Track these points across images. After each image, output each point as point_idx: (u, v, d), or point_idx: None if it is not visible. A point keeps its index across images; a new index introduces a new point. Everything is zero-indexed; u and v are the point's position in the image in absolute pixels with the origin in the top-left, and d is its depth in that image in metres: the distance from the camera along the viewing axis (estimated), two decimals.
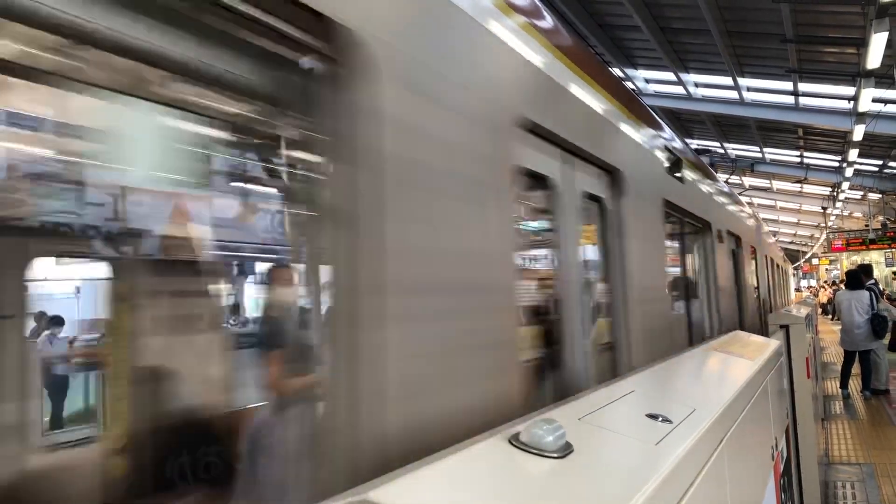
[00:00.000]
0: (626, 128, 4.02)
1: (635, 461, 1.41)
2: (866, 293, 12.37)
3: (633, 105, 4.38)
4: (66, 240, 3.52)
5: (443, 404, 1.76)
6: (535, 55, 2.70)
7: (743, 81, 18.70)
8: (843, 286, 14.76)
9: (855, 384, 12.80)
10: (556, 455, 1.25)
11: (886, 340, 12.69)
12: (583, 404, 1.74)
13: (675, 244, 6.13)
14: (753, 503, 2.31)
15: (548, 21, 3.00)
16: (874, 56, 12.05)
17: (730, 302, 7.32)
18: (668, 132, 5.48)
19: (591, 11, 15.98)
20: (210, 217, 3.97)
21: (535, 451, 1.26)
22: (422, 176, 1.80)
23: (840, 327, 13.11)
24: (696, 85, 20.13)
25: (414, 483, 1.05)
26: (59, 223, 3.32)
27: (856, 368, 12.64)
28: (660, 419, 1.67)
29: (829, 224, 37.25)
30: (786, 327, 5.98)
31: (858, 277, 12.95)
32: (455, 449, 1.27)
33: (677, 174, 5.28)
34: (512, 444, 1.29)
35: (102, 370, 3.59)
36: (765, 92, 19.41)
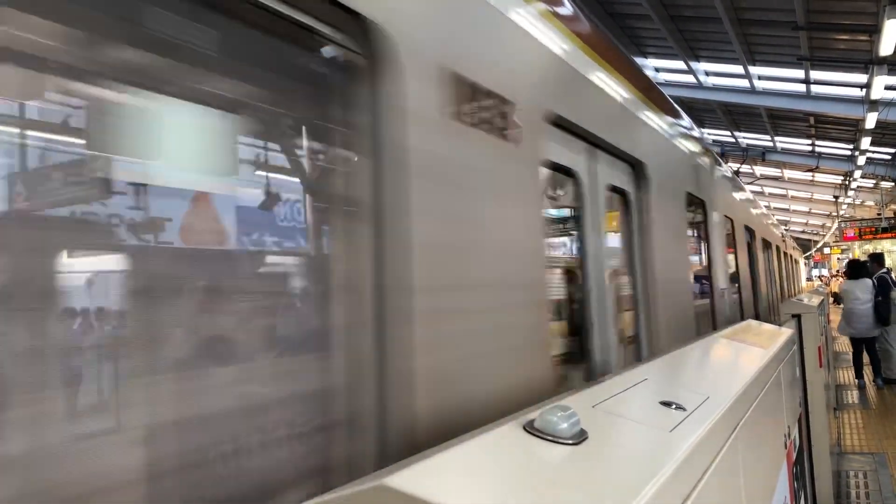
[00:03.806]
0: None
1: (650, 448, 1.41)
2: (868, 281, 12.35)
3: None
4: None
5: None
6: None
7: (754, 70, 18.56)
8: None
9: (868, 373, 12.75)
10: (570, 441, 1.25)
11: None
12: (596, 391, 1.74)
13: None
14: (767, 491, 2.31)
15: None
16: (887, 43, 11.93)
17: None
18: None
19: (600, 0, 15.90)
20: None
21: (549, 438, 1.26)
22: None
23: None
24: (707, 73, 20.00)
25: (429, 469, 1.06)
26: None
27: (866, 357, 12.61)
28: (673, 406, 1.67)
29: (841, 213, 36.99)
30: (798, 317, 5.96)
31: (860, 267, 12.93)
32: (470, 435, 1.28)
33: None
34: (526, 430, 1.30)
35: None
36: (776, 80, 19.26)
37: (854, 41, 15.25)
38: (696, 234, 6.39)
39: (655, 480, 1.13)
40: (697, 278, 6.27)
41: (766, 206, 13.43)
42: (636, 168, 3.98)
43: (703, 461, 1.46)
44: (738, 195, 8.82)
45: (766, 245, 11.57)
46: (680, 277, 4.69)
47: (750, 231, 9.27)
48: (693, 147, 5.70)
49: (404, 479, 0.96)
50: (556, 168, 3.04)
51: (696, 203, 5.74)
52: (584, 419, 1.33)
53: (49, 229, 1.31)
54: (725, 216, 7.07)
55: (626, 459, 1.33)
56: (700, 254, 6.42)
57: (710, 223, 6.18)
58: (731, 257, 7.73)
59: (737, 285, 7.78)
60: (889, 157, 24.93)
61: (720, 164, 7.60)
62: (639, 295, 3.95)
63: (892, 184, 28.56)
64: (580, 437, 1.28)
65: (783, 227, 20.32)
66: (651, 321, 3.94)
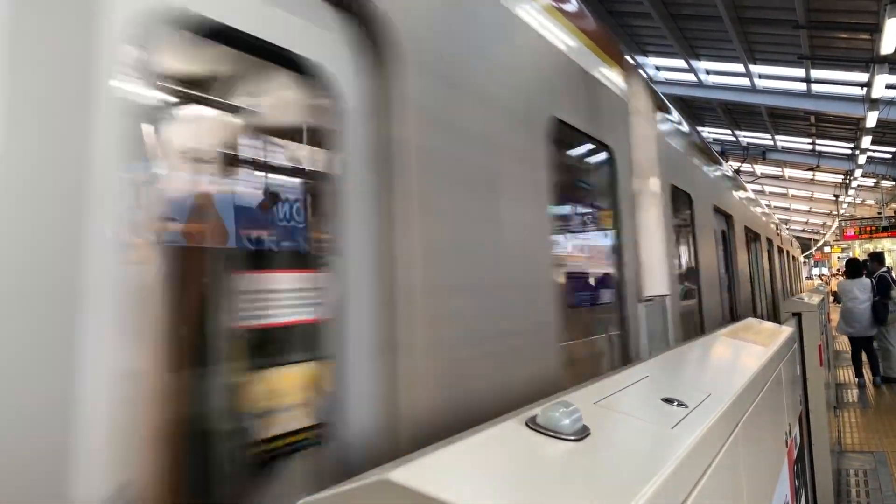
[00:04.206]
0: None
1: (652, 444, 1.40)
2: (867, 280, 12.39)
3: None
4: None
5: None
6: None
7: (755, 68, 18.56)
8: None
9: (868, 372, 12.77)
10: (572, 438, 1.25)
11: None
12: (598, 388, 1.74)
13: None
14: (768, 488, 2.31)
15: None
16: (888, 42, 11.94)
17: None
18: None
19: None
20: None
21: (551, 434, 1.26)
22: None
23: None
24: (708, 72, 20.00)
25: (432, 464, 1.06)
26: None
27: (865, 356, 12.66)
28: (675, 403, 1.67)
29: (842, 212, 37.00)
30: (798, 315, 5.96)
31: (858, 266, 12.97)
32: (472, 431, 1.28)
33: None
34: (529, 426, 1.29)
35: None
36: (777, 79, 19.26)
37: (855, 40, 15.25)
38: (584, 201, 3.88)
39: (658, 477, 1.13)
40: (579, 279, 3.85)
41: (753, 192, 11.66)
42: (362, 19, 1.70)
43: (706, 458, 1.46)
44: (702, 162, 6.13)
45: (752, 237, 9.24)
46: (505, 276, 2.17)
47: (725, 215, 6.93)
48: (569, 37, 2.94)
49: (407, 473, 0.96)
50: None
51: (582, 144, 3.22)
52: (586, 416, 1.33)
53: None
54: (673, 186, 4.53)
55: (628, 456, 1.33)
56: (592, 236, 3.84)
57: (624, 187, 3.43)
58: (682, 248, 5.29)
59: (695, 291, 5.25)
60: (889, 155, 24.93)
61: (663, 103, 4.91)
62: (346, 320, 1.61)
63: (893, 183, 28.56)
64: (582, 434, 1.28)
65: (776, 215, 17.67)
66: (395, 375, 1.63)
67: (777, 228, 13.81)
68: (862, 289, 12.29)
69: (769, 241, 11.13)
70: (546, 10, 2.69)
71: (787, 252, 15.61)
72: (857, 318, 12.23)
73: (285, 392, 2.52)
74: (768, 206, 22.29)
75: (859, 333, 12.34)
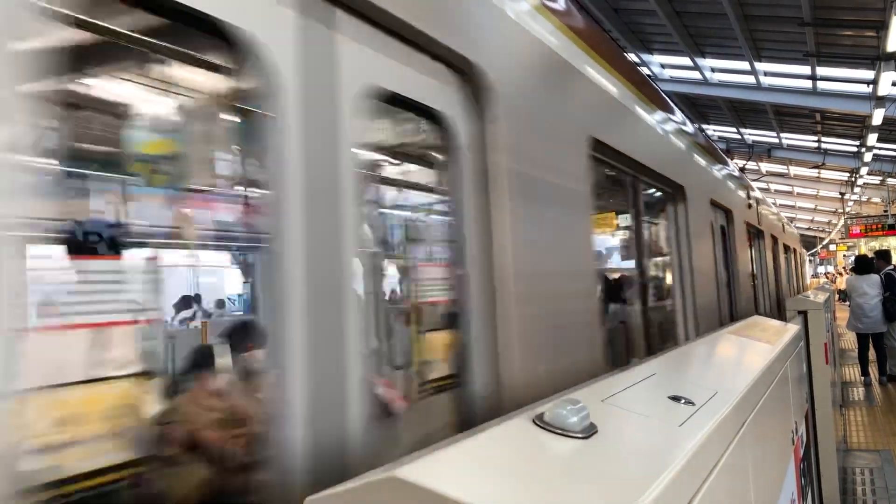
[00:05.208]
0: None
1: (660, 442, 1.40)
2: (876, 276, 12.35)
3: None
4: None
5: None
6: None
7: (760, 66, 18.50)
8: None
9: (875, 371, 12.73)
10: (580, 435, 1.25)
11: None
12: (605, 386, 1.73)
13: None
14: (775, 486, 2.30)
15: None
16: (894, 39, 11.88)
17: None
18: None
19: None
20: None
21: (559, 431, 1.26)
22: None
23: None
24: (713, 70, 19.95)
25: (440, 461, 1.06)
26: None
27: (872, 354, 12.60)
28: (682, 401, 1.66)
29: (847, 210, 36.88)
30: (804, 313, 5.94)
31: (867, 262, 12.93)
32: (480, 429, 1.28)
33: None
34: (536, 424, 1.29)
35: None
36: (782, 76, 19.18)
37: (860, 37, 15.19)
38: None
39: (666, 474, 1.13)
40: None
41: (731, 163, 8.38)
42: None
43: (713, 456, 1.45)
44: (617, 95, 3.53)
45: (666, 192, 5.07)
46: None
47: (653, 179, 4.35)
48: None
49: (415, 470, 0.96)
50: None
51: None
52: (593, 413, 1.32)
53: None
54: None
55: (636, 453, 1.32)
56: None
57: None
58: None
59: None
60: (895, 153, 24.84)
61: None
62: None
63: None
64: (590, 431, 1.27)
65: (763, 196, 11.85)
66: None
67: (749, 197, 8.92)
68: (871, 285, 12.25)
69: (726, 213, 6.93)
70: None
71: (776, 239, 11.85)
72: (868, 314, 12.18)
73: None
74: (773, 199, 22.05)
75: (869, 329, 12.30)
